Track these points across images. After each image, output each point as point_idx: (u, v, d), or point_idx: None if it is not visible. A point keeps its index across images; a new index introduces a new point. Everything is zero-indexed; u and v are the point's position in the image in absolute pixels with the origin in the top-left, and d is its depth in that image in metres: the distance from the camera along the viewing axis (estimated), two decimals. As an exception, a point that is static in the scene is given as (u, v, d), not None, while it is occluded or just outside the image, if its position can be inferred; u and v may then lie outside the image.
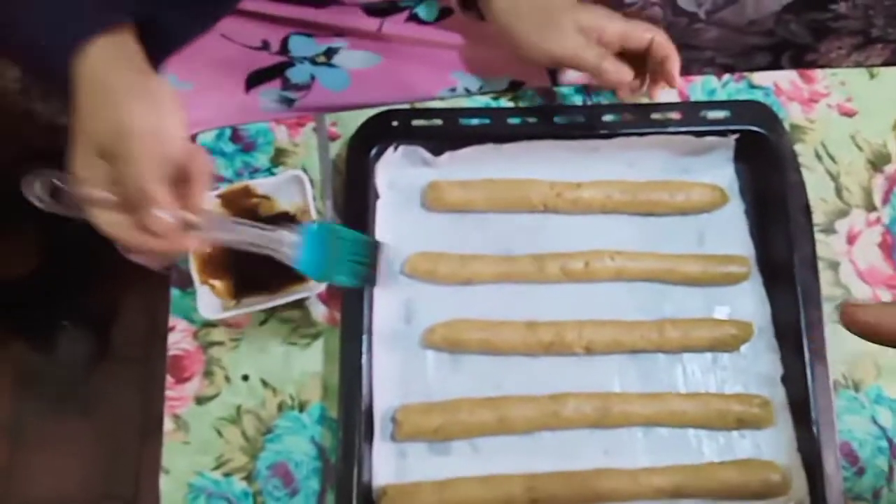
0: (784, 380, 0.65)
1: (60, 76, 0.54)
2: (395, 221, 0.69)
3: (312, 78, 0.79)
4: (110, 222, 0.53)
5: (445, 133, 0.69)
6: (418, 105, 0.74)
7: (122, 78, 0.55)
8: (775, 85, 0.74)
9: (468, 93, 0.80)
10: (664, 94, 0.71)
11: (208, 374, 0.68)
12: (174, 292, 0.70)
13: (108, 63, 0.55)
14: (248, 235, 0.58)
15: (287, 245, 0.58)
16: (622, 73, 0.67)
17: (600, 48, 0.67)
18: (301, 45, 0.78)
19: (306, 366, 0.68)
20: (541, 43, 0.68)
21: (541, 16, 0.68)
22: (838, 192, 0.71)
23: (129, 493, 1.28)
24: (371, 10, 0.77)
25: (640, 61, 0.69)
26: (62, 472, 1.31)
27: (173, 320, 0.70)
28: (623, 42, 0.68)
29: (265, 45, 0.78)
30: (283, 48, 0.78)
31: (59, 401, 1.33)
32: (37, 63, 0.58)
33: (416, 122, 0.69)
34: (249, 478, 0.66)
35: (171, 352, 0.69)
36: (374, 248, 0.64)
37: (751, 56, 0.95)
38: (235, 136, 0.74)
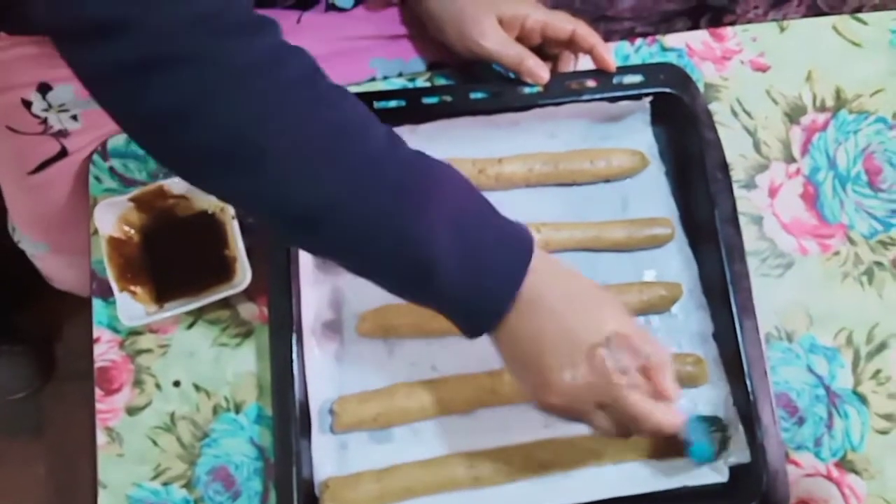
0: (715, 336, 0.65)
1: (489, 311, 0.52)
2: (319, 212, 0.68)
3: None
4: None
5: (361, 118, 0.68)
6: (332, 92, 0.73)
7: (572, 278, 0.54)
8: (688, 46, 0.74)
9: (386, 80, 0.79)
10: (581, 62, 0.71)
11: (138, 383, 0.67)
12: (96, 303, 0.68)
13: (548, 265, 0.53)
14: None
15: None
16: (541, 72, 0.68)
17: (520, 47, 0.68)
18: None
19: (239, 366, 0.67)
20: (461, 38, 0.69)
21: (461, 8, 0.68)
22: (756, 146, 0.72)
23: (90, 511, 1.25)
24: (289, 5, 0.76)
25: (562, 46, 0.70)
26: (19, 494, 1.28)
27: (97, 331, 0.68)
28: (544, 32, 0.69)
29: None
30: None
31: (8, 423, 1.30)
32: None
33: (330, 110, 0.68)
34: (189, 485, 0.65)
35: (98, 364, 0.67)
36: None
37: (670, 23, 0.95)
38: (147, 138, 0.72)
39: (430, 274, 0.49)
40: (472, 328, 0.53)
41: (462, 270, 0.50)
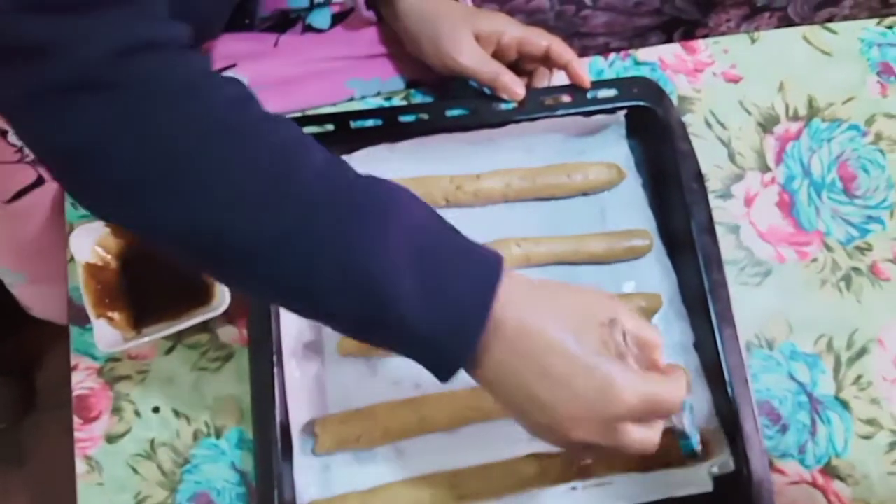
0: (696, 346, 0.65)
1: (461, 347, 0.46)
2: (297, 233, 0.68)
3: None
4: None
5: (337, 137, 0.68)
6: (309, 112, 0.73)
7: (552, 289, 0.49)
8: (660, 59, 0.75)
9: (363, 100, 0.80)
10: (556, 78, 0.72)
11: (117, 410, 0.66)
12: (73, 330, 0.67)
13: (523, 284, 0.47)
14: None
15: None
16: (517, 88, 0.68)
17: (496, 63, 0.68)
18: None
19: (219, 390, 0.66)
20: (438, 55, 0.69)
21: (438, 25, 0.69)
22: (731, 157, 0.72)
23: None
24: (266, 28, 0.76)
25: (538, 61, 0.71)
26: (1, 529, 1.26)
27: (75, 359, 0.67)
28: (520, 48, 0.69)
29: None
30: None
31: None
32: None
33: (306, 130, 0.67)
34: (170, 512, 0.64)
35: (76, 392, 0.66)
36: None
37: (644, 37, 0.97)
38: (123, 163, 0.72)
39: (384, 305, 0.44)
40: (442, 365, 0.47)
41: (422, 298, 0.44)
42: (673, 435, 0.54)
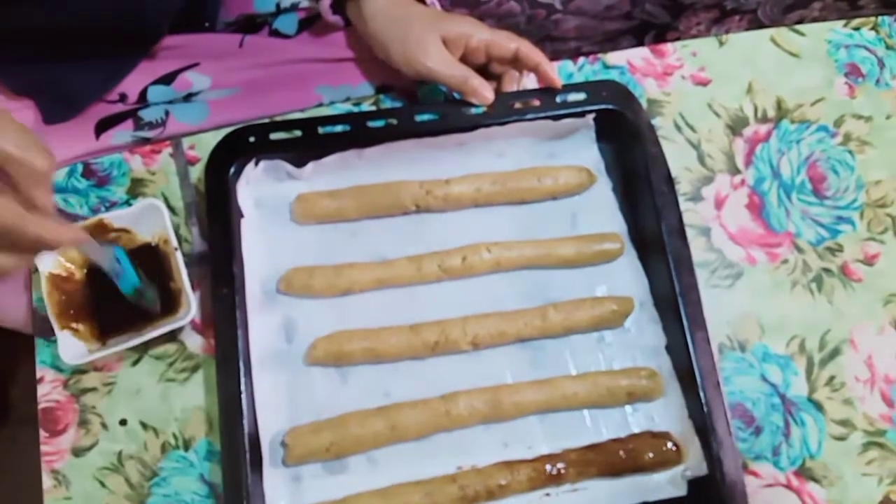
0: (668, 349, 0.65)
1: None
2: (266, 239, 0.67)
3: (167, 114, 0.74)
4: None
5: (306, 143, 0.68)
6: (277, 118, 0.72)
7: None
8: (629, 63, 0.75)
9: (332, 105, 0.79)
10: (526, 81, 0.71)
11: (83, 423, 0.65)
12: (38, 342, 0.66)
13: None
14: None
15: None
16: (485, 92, 0.68)
17: (465, 67, 0.68)
18: (160, 93, 0.74)
19: (187, 401, 0.65)
20: (406, 59, 0.69)
21: (406, 29, 0.69)
22: (701, 159, 0.72)
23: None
24: (232, 30, 0.75)
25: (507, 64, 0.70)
26: (-30, 548, 1.23)
27: (41, 371, 0.66)
28: (489, 51, 0.69)
29: (122, 98, 0.74)
30: (142, 98, 0.74)
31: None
32: None
33: (274, 136, 0.67)
34: (139, 527, 0.63)
35: (42, 404, 0.65)
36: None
37: (615, 41, 0.97)
38: (87, 171, 0.71)
39: None
40: None
41: None
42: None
